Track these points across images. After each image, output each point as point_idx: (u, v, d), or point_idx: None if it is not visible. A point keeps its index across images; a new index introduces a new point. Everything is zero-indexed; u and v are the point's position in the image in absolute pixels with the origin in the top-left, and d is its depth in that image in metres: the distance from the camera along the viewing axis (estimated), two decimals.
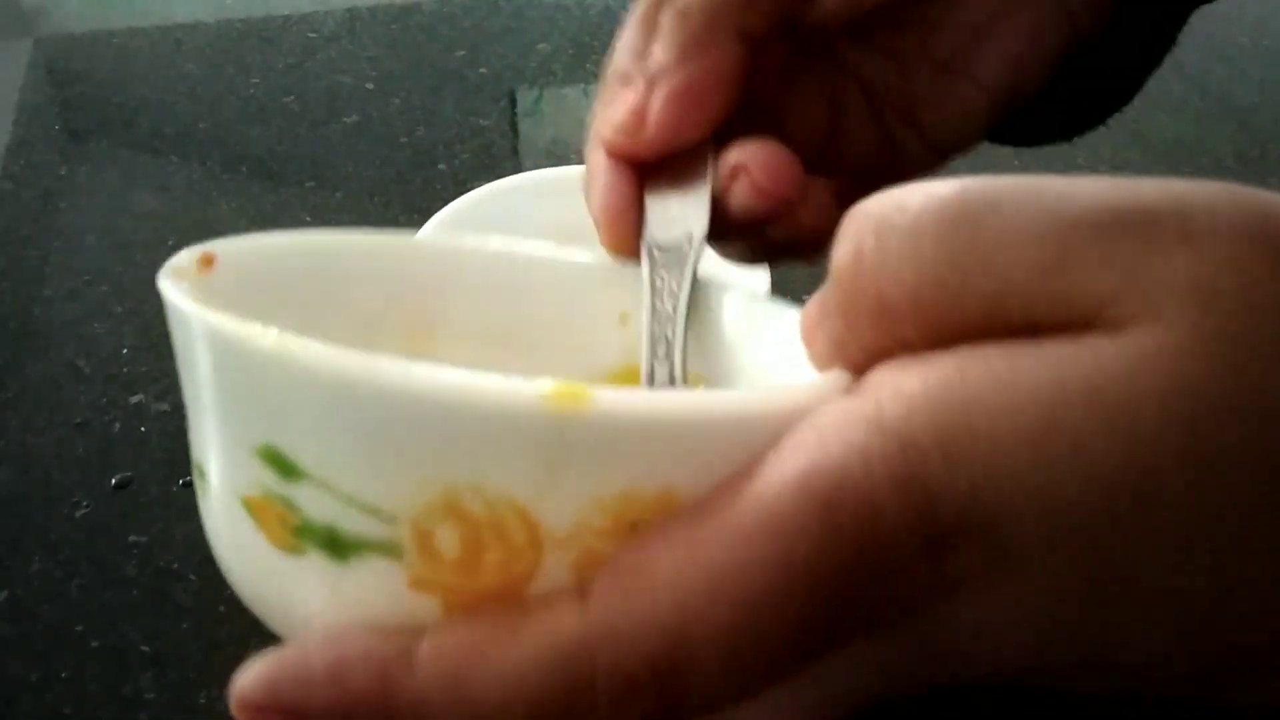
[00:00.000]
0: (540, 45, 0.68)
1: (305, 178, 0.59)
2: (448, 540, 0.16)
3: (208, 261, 0.24)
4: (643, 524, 0.16)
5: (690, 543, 0.16)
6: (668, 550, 0.16)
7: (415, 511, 0.16)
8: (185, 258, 0.24)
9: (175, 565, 0.40)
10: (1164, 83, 0.65)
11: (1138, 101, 0.59)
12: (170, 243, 0.54)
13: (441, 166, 0.59)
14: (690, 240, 0.27)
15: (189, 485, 0.43)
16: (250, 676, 0.18)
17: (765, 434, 0.16)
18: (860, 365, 0.18)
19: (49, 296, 0.52)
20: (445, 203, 0.55)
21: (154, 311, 0.54)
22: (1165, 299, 0.15)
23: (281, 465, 0.17)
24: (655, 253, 0.27)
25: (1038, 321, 0.16)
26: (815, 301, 0.20)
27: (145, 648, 0.38)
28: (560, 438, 0.16)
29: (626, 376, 0.28)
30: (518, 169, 0.60)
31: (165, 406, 0.46)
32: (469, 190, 0.57)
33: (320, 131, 0.62)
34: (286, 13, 0.72)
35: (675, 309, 0.26)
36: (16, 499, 0.43)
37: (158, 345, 0.49)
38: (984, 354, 0.16)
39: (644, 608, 0.15)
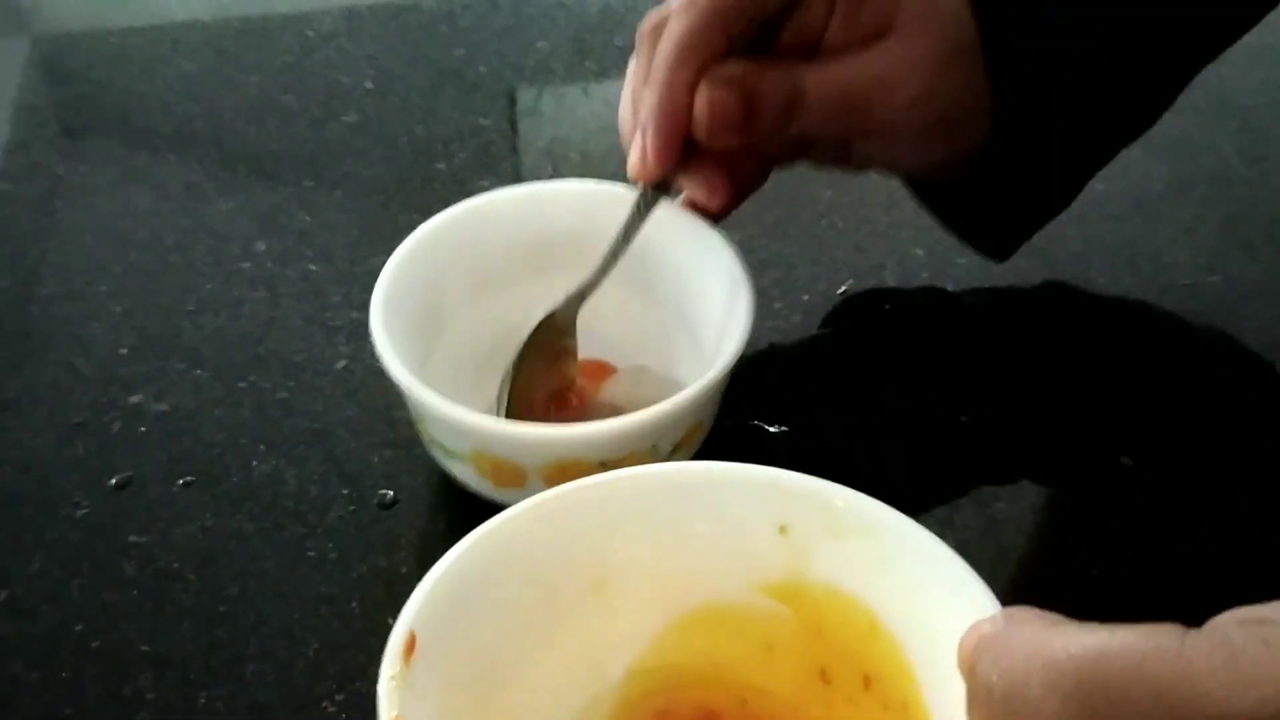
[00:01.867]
0: (540, 44, 0.68)
1: (304, 176, 0.59)
2: None
3: (410, 648, 0.26)
4: None
5: None
6: None
7: None
8: (394, 649, 0.26)
9: (175, 565, 0.40)
10: None
11: None
12: (168, 242, 0.54)
13: (441, 166, 0.59)
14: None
15: (189, 485, 0.43)
16: None
17: None
18: None
19: (47, 296, 0.52)
20: (445, 202, 0.55)
21: (152, 311, 0.54)
22: None
23: None
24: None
25: None
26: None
27: (145, 648, 0.38)
28: None
29: (786, 591, 0.29)
30: (517, 168, 0.60)
31: (165, 406, 0.46)
32: (469, 190, 0.57)
33: (319, 130, 0.62)
34: (285, 11, 0.72)
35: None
36: (16, 499, 0.43)
37: (156, 345, 0.49)
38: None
39: None
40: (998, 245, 0.47)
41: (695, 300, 0.43)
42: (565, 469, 0.36)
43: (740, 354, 0.38)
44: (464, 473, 0.39)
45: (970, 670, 0.21)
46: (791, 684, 0.30)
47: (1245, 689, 0.16)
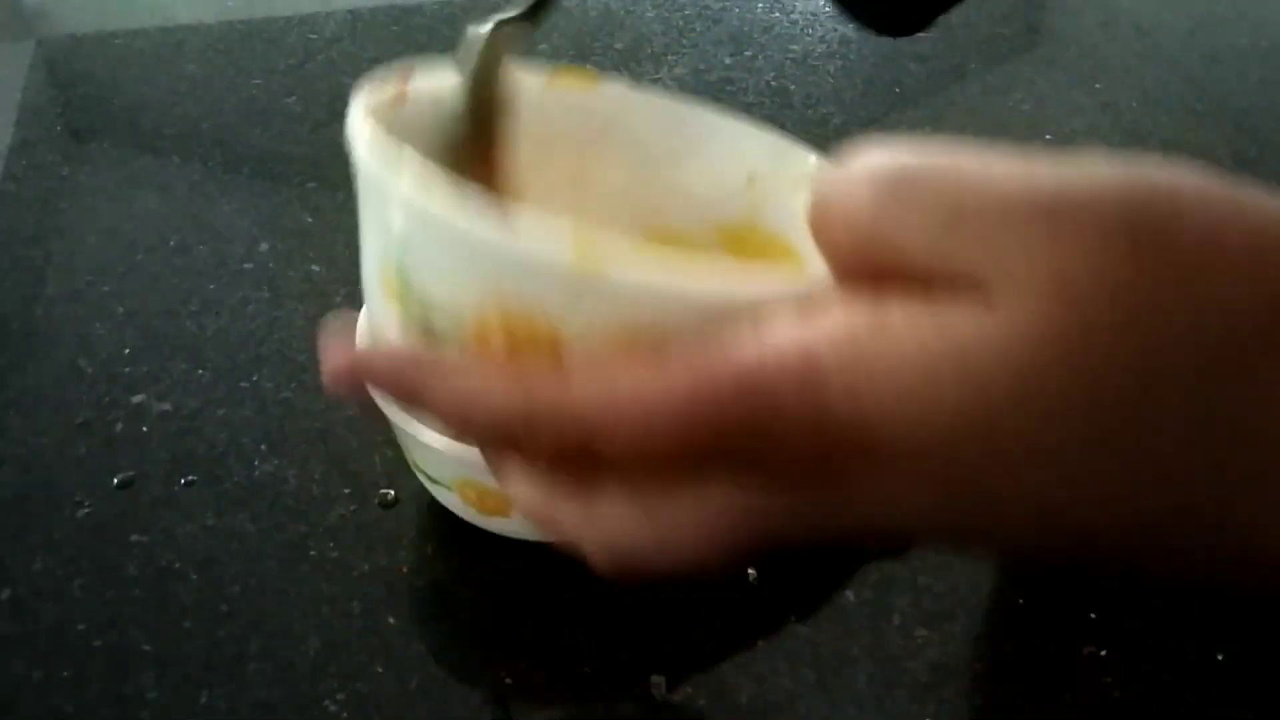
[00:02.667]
0: (540, 45, 0.68)
1: (307, 178, 0.59)
2: (496, 341, 0.22)
3: (400, 98, 0.29)
4: (637, 348, 0.22)
5: (648, 367, 0.21)
6: (630, 368, 0.21)
7: (476, 313, 0.22)
8: (382, 93, 0.29)
9: (177, 565, 0.40)
10: (1162, 84, 0.65)
11: (1136, 102, 0.60)
12: (172, 243, 0.55)
13: None
14: None
15: (190, 485, 0.43)
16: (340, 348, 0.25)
17: (741, 315, 0.21)
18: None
19: (51, 296, 0.52)
20: None
21: (156, 311, 0.54)
22: (1028, 288, 0.19)
23: (400, 271, 0.24)
24: None
25: (934, 279, 0.20)
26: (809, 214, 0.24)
27: (146, 647, 0.38)
28: (578, 284, 0.21)
29: (744, 235, 0.31)
30: None
31: (167, 406, 0.46)
32: None
33: (322, 132, 0.62)
34: (288, 14, 0.72)
35: None
36: (18, 499, 0.43)
37: (159, 345, 0.49)
38: (894, 310, 0.20)
39: (595, 389, 0.21)
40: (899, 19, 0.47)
41: None
42: None
43: None
44: (451, 500, 0.39)
45: (811, 184, 0.23)
46: None
47: (1024, 181, 0.20)
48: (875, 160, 0.21)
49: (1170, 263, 0.19)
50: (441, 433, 0.35)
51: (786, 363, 0.20)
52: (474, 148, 0.35)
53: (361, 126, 0.26)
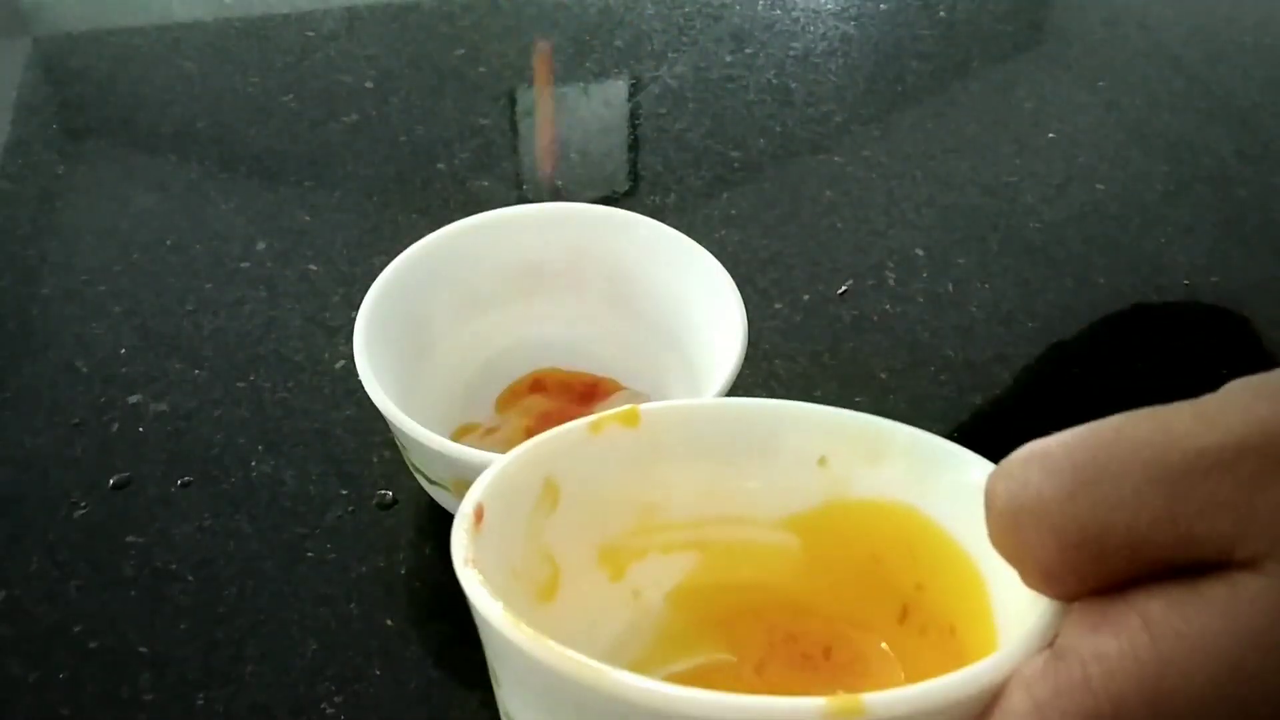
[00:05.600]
0: (540, 44, 0.68)
1: (304, 177, 0.59)
2: None
3: (479, 516, 0.27)
4: None
5: None
6: None
7: None
8: (466, 515, 0.27)
9: (173, 566, 0.40)
10: (1165, 82, 0.65)
11: (1140, 100, 0.60)
12: (169, 242, 0.54)
13: (441, 166, 0.59)
14: None
15: (187, 485, 0.43)
16: None
17: (992, 699, 0.20)
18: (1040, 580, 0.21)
19: (47, 296, 0.52)
20: (445, 202, 0.55)
21: (152, 311, 0.54)
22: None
23: None
24: None
25: (1177, 563, 0.19)
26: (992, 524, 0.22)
27: (143, 648, 0.38)
28: None
29: (826, 514, 0.30)
30: (517, 168, 0.60)
31: (163, 407, 0.46)
32: (469, 190, 0.57)
33: (319, 130, 0.62)
34: (285, 11, 0.72)
35: None
36: (14, 499, 0.43)
37: (156, 345, 0.49)
38: (1156, 607, 0.19)
39: None
40: None
41: (687, 323, 0.42)
42: None
43: (734, 379, 0.38)
44: (449, 501, 0.39)
45: (985, 504, 0.22)
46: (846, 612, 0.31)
47: (1209, 427, 0.19)
48: (1045, 453, 0.20)
49: None
50: None
51: (1086, 714, 0.19)
52: None
53: (509, 625, 0.23)
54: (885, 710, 0.19)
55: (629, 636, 0.31)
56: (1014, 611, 0.24)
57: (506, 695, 0.24)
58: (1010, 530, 0.21)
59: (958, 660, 0.23)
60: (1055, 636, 0.21)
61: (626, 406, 0.29)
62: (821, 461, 0.30)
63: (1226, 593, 0.18)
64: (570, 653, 0.21)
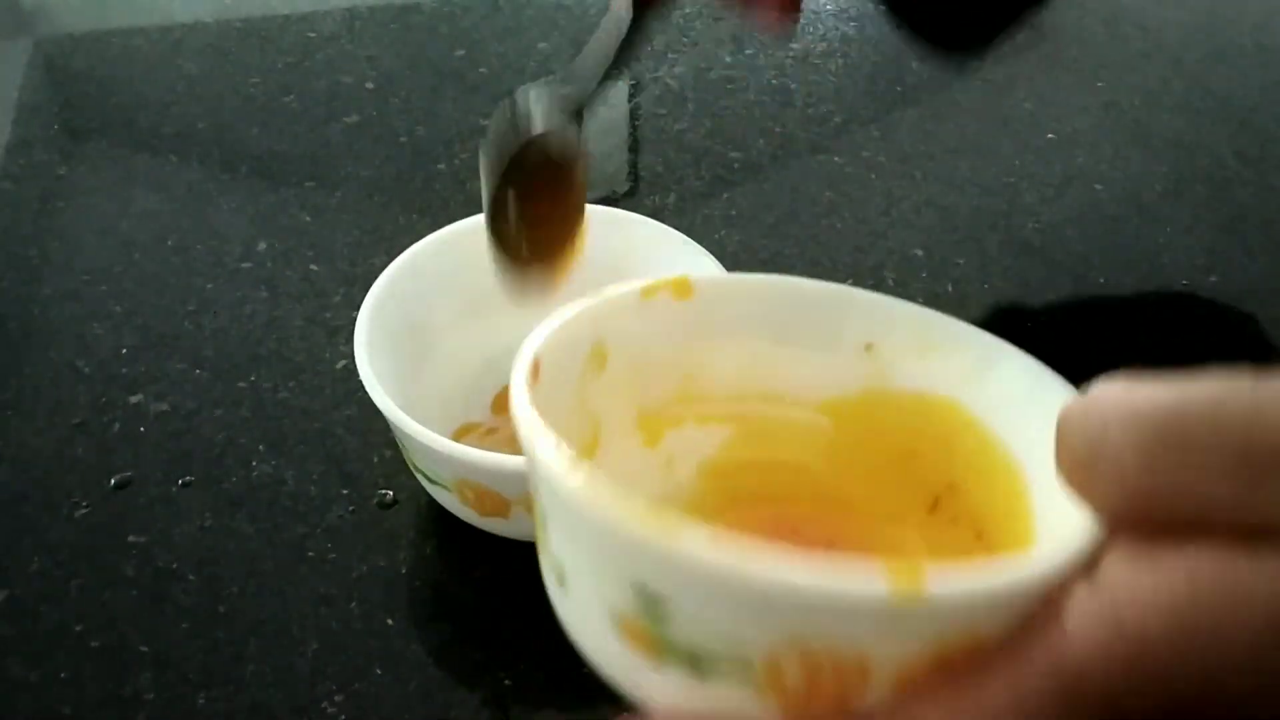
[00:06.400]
0: (540, 45, 0.68)
1: (305, 177, 0.59)
2: (793, 673, 0.20)
3: (535, 371, 0.26)
4: (949, 660, 0.20)
5: (961, 696, 0.19)
6: (948, 697, 0.20)
7: (768, 653, 0.20)
8: (523, 368, 0.26)
9: (174, 565, 0.40)
10: (1165, 82, 0.65)
11: (1139, 100, 0.60)
12: (170, 242, 0.54)
13: (441, 166, 0.59)
14: None
15: (188, 485, 0.43)
16: None
17: (1044, 592, 0.20)
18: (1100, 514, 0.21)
19: (48, 296, 0.52)
20: (445, 202, 0.55)
21: (153, 311, 0.54)
22: None
23: (651, 603, 0.20)
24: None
25: (1242, 528, 0.18)
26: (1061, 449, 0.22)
27: (144, 648, 0.38)
28: (893, 616, 0.19)
29: (865, 401, 0.30)
30: None
31: (164, 407, 0.46)
32: (469, 190, 0.57)
33: (320, 131, 0.62)
34: (286, 12, 0.72)
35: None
36: (16, 499, 0.43)
37: (157, 345, 0.49)
38: (1209, 560, 0.18)
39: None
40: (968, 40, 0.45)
41: None
42: None
43: None
44: (449, 500, 0.39)
45: (1058, 433, 0.21)
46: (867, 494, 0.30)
47: None
48: (1133, 411, 0.20)
49: None
50: None
51: (1114, 656, 0.18)
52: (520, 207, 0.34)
53: (566, 468, 0.22)
54: (944, 585, 0.19)
55: (658, 505, 0.31)
56: (1054, 522, 0.23)
57: (556, 545, 0.23)
58: (1079, 470, 0.21)
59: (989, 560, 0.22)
60: (1097, 560, 0.20)
61: (680, 274, 0.29)
62: (868, 348, 0.29)
63: None
64: (627, 494, 0.20)
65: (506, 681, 0.36)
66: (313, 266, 0.53)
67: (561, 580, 0.23)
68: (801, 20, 0.72)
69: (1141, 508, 0.19)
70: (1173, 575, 0.19)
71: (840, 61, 0.68)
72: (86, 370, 0.48)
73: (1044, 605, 0.19)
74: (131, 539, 0.41)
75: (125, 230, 0.55)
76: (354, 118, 0.63)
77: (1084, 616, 0.19)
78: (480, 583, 0.40)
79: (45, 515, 0.42)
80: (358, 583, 0.39)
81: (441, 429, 0.36)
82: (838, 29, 0.71)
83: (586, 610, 0.23)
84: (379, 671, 0.37)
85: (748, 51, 0.69)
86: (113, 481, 0.43)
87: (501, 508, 0.37)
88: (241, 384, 0.47)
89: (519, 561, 0.40)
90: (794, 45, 0.69)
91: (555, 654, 0.37)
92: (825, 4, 0.74)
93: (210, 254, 0.54)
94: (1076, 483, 0.21)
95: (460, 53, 0.68)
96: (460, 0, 0.72)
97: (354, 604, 0.39)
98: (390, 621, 0.38)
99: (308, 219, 0.56)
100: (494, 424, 0.43)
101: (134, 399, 0.46)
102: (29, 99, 0.65)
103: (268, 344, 0.49)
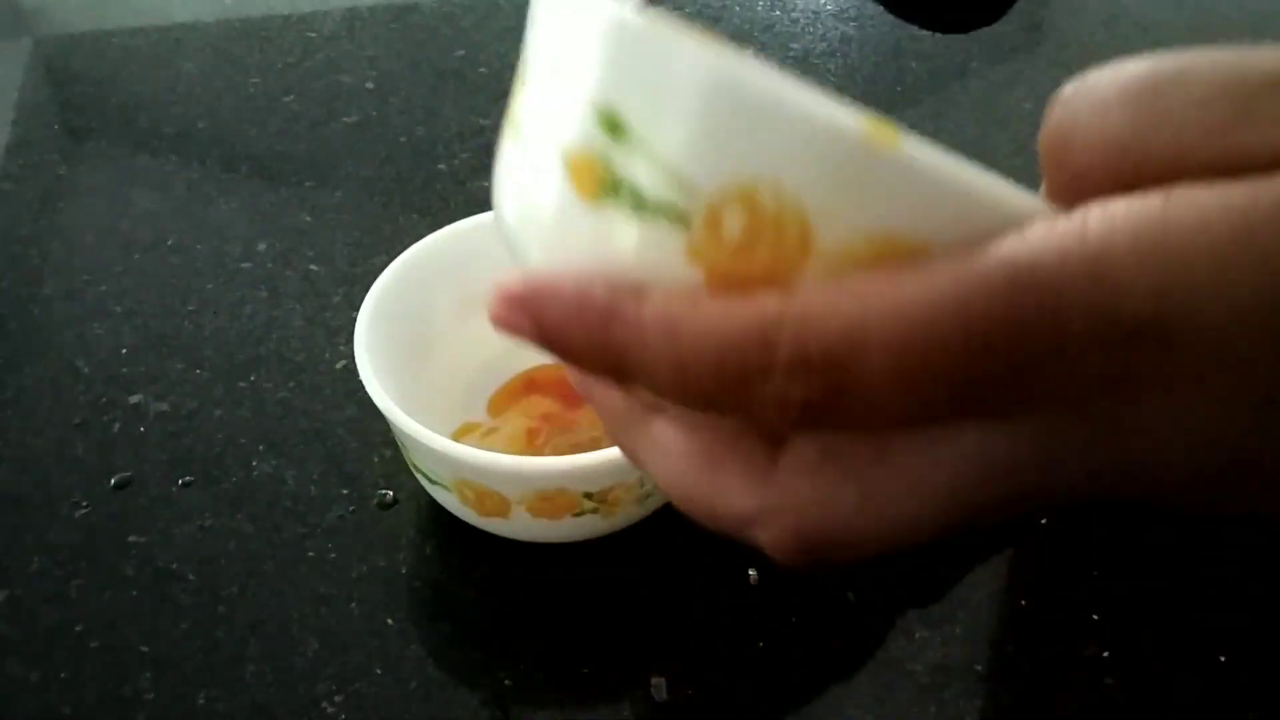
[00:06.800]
0: None
1: (305, 177, 0.59)
2: (733, 224, 0.19)
3: None
4: (889, 263, 0.18)
5: (900, 281, 0.18)
6: (881, 281, 0.18)
7: (714, 190, 0.18)
8: None
9: (174, 565, 0.40)
10: None
11: None
12: (169, 242, 0.54)
13: (441, 166, 0.59)
14: None
15: (188, 485, 0.43)
16: (516, 275, 0.21)
17: (1006, 220, 0.18)
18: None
19: (48, 296, 0.52)
20: (445, 202, 0.55)
21: (153, 311, 0.54)
22: None
23: (614, 125, 0.19)
24: None
25: (1218, 170, 0.17)
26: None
27: (144, 648, 0.38)
28: (861, 164, 0.18)
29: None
30: None
31: (165, 406, 0.46)
32: (469, 190, 0.57)
33: (320, 131, 0.62)
34: (286, 12, 0.72)
35: None
36: (16, 499, 0.43)
37: (157, 345, 0.49)
38: (1183, 189, 0.17)
39: (837, 309, 0.18)
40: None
41: None
42: (549, 499, 0.36)
43: None
44: (449, 500, 0.39)
45: (1045, 115, 0.20)
46: None
47: None
48: (1122, 72, 0.19)
49: None
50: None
51: (1070, 252, 0.17)
52: None
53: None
54: (915, 155, 0.18)
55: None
56: None
57: (526, 93, 0.22)
58: (1059, 138, 0.19)
59: None
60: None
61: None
62: None
63: (1263, 181, 0.17)
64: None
65: (506, 681, 0.37)
66: (313, 266, 0.53)
67: (516, 133, 0.22)
68: (801, 20, 0.72)
69: (1123, 173, 0.18)
70: (1147, 199, 0.17)
71: (840, 61, 0.68)
72: (86, 370, 0.48)
73: (1018, 227, 0.18)
74: (131, 539, 0.41)
75: (125, 230, 0.55)
76: (354, 118, 0.63)
77: (1045, 227, 0.18)
78: (480, 583, 0.40)
79: (45, 515, 0.42)
80: (357, 583, 0.40)
81: (441, 429, 0.36)
82: (838, 29, 0.71)
83: (536, 157, 0.21)
84: (379, 671, 0.37)
85: (747, 51, 0.69)
86: (113, 481, 0.43)
87: (501, 508, 0.37)
88: (241, 384, 0.47)
89: (519, 561, 0.40)
90: (794, 45, 0.69)
91: (555, 654, 0.37)
92: (825, 4, 0.74)
93: (210, 254, 0.54)
94: (1053, 153, 0.20)
95: (460, 53, 0.68)
96: (460, 0, 0.72)
97: (354, 604, 0.39)
98: (390, 621, 0.38)
99: (308, 219, 0.56)
100: (494, 424, 0.43)
101: (134, 399, 0.46)
102: (29, 99, 0.65)
103: (268, 344, 0.49)
